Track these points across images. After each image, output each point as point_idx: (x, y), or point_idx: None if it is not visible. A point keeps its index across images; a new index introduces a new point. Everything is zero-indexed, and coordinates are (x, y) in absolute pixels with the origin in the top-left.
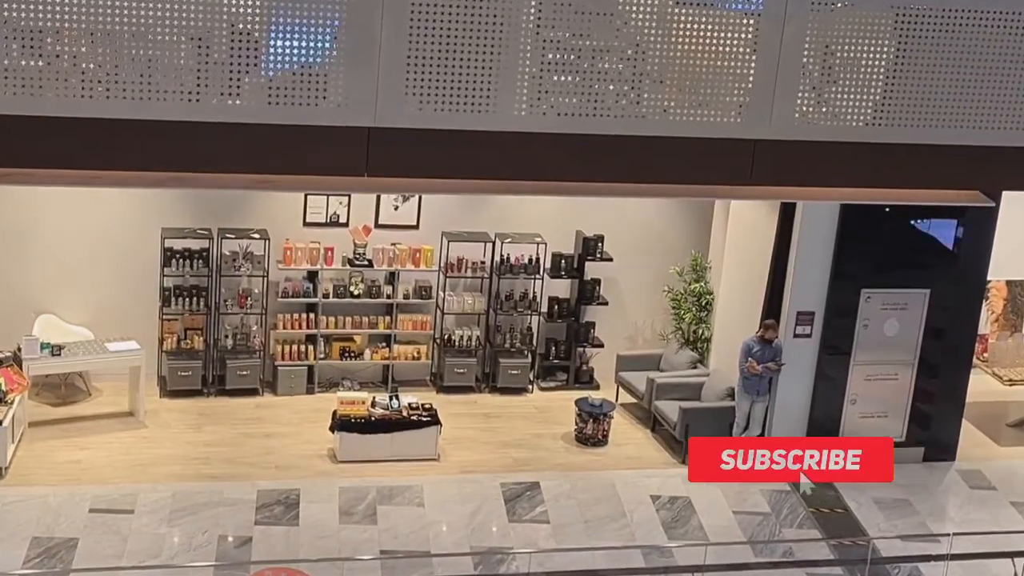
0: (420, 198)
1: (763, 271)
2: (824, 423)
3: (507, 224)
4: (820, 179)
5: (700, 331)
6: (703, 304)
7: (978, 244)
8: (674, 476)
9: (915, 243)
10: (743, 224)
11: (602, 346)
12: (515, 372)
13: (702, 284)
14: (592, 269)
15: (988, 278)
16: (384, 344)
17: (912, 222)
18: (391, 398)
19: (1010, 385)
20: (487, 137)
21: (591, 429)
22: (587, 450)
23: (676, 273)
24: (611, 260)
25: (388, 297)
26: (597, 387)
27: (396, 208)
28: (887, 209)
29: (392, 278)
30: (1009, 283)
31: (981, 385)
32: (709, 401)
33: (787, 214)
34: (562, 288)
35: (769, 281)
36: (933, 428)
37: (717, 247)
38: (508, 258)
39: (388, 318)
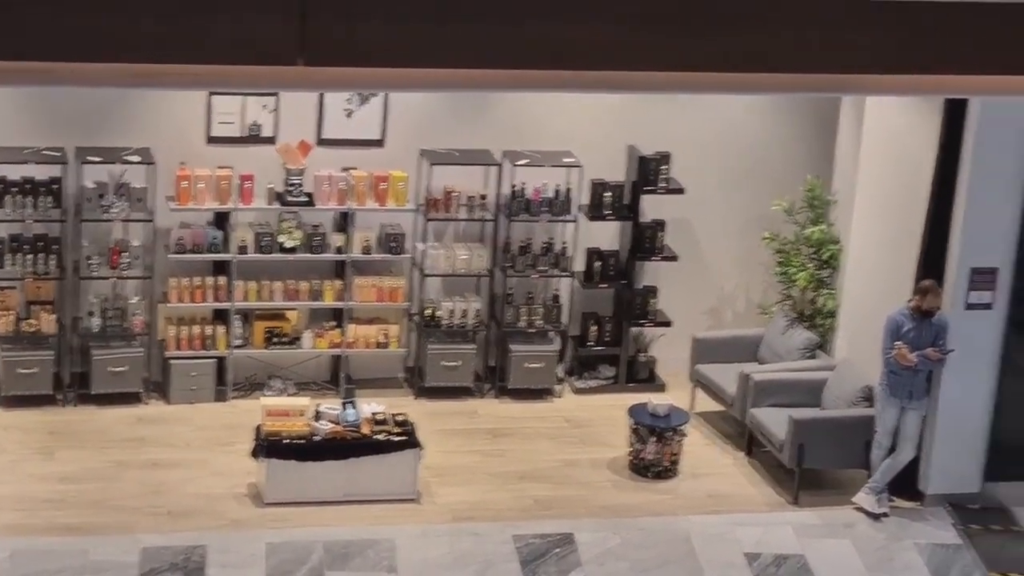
0: (386, 98)
1: (918, 208)
2: (1015, 441)
3: (520, 138)
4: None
5: (821, 301)
6: (825, 259)
7: None
8: (781, 523)
9: None
10: (885, 135)
11: (669, 324)
12: (535, 366)
13: (823, 228)
14: (653, 206)
15: None
16: (333, 324)
17: None
18: (345, 407)
19: None
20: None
21: (653, 453)
22: (647, 484)
23: (783, 211)
24: (682, 192)
25: (338, 251)
26: (662, 388)
27: (349, 114)
28: None
29: (344, 222)
30: None
31: None
32: (835, 408)
33: (955, 120)
34: (607, 236)
35: (927, 224)
36: None
37: (846, 171)
38: (523, 190)
39: (339, 283)
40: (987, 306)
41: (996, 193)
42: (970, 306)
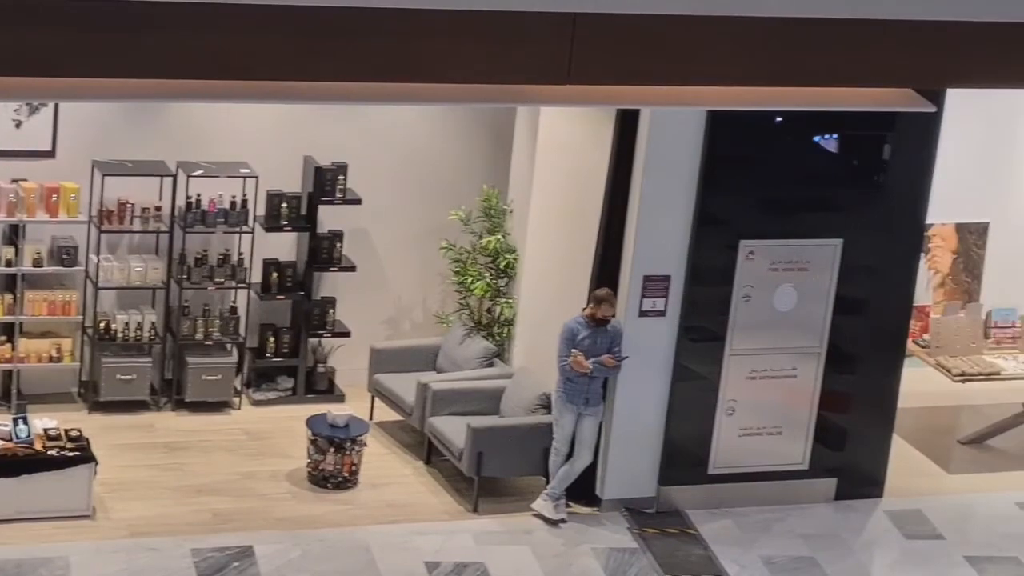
0: (56, 108)
1: (592, 218)
2: (687, 445)
3: (196, 148)
4: (673, 73)
5: (498, 310)
6: (501, 268)
7: (913, 171)
8: (460, 532)
9: (820, 171)
10: (559, 146)
11: (348, 335)
12: (213, 378)
13: (499, 237)
14: (330, 216)
15: (928, 221)
16: (3, 338)
17: (816, 139)
18: (16, 423)
19: (962, 382)
20: (160, 10)
21: (332, 463)
22: (326, 495)
23: (460, 221)
24: (359, 202)
25: (8, 265)
26: (341, 398)
27: (18, 125)
28: (778, 120)
29: (14, 235)
30: (960, 229)
31: (920, 383)
32: (513, 416)
33: (627, 130)
34: (284, 246)
35: (601, 233)
36: (850, 450)
37: (521, 181)
38: (199, 201)
39: (9, 297)
40: (660, 313)
41: (667, 202)
42: (643, 313)
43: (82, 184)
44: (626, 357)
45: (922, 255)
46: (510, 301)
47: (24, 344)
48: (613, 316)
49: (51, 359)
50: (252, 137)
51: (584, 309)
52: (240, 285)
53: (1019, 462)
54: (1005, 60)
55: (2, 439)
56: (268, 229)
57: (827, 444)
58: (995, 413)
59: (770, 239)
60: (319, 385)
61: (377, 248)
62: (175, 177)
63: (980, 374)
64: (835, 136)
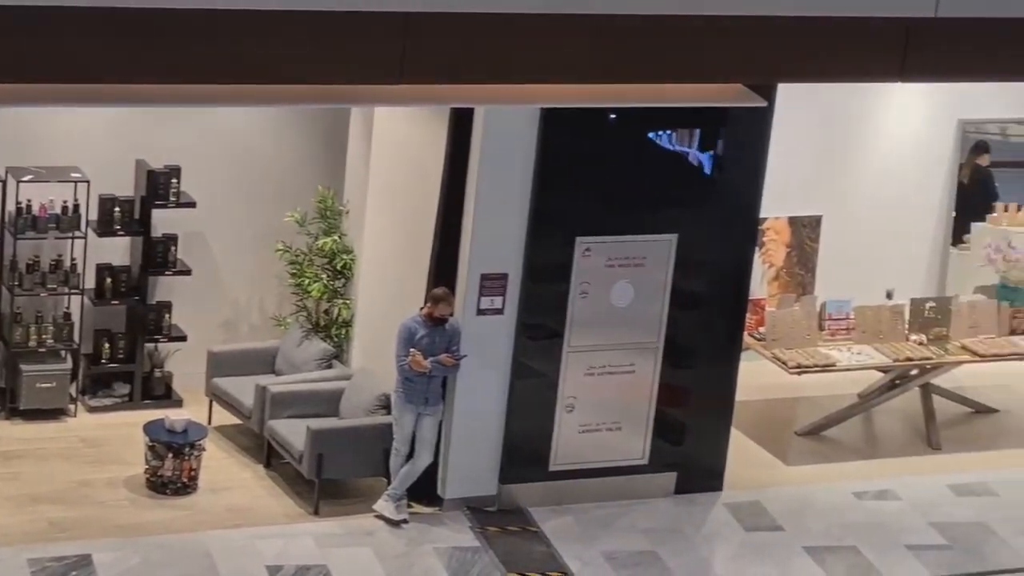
0: None
1: (428, 217)
2: (528, 443)
3: (25, 153)
4: (506, 71)
5: (336, 311)
6: (339, 269)
7: (746, 166)
8: (302, 535)
9: (655, 168)
10: (395, 146)
11: (184, 339)
12: (47, 386)
13: (335, 239)
14: (164, 220)
15: (762, 215)
16: None
17: (651, 135)
18: None
19: (799, 374)
20: None
21: (171, 469)
22: (165, 501)
23: (296, 222)
24: (193, 206)
25: None
26: (179, 403)
27: None
28: (612, 117)
29: None
30: (793, 222)
31: (757, 376)
32: (353, 418)
33: (461, 129)
34: (117, 251)
35: (438, 232)
36: (689, 444)
37: (357, 182)
38: (29, 206)
39: None
40: (498, 311)
41: (503, 201)
42: (481, 311)
43: None
44: (465, 356)
45: (756, 249)
46: (348, 302)
47: None
48: (451, 315)
49: None
50: (83, 141)
51: (422, 308)
52: (73, 291)
53: (855, 452)
54: (832, 55)
55: None
56: (101, 234)
57: (666, 439)
58: (831, 404)
59: (606, 235)
60: (156, 390)
61: (213, 251)
62: (4, 183)
63: (816, 366)
64: (669, 132)
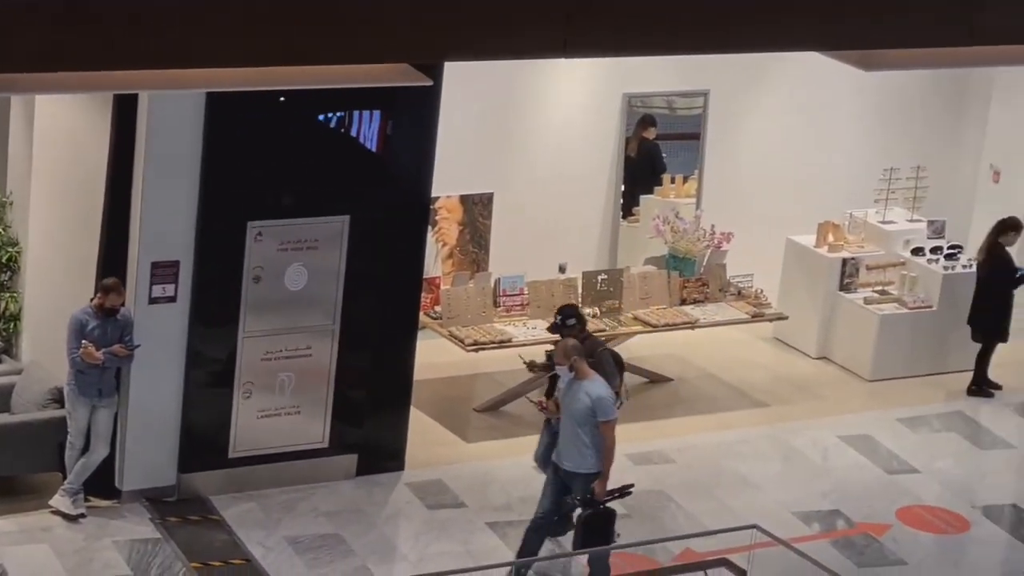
0: None
1: (96, 206)
2: (206, 431)
3: None
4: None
5: (3, 304)
6: (4, 262)
7: (416, 146)
8: None
9: (325, 149)
10: (58, 134)
11: None
12: None
13: (0, 231)
14: None
15: (434, 194)
16: None
17: (320, 117)
18: None
19: (476, 351)
20: None
21: None
22: None
23: None
24: None
25: None
26: None
27: None
28: (282, 99)
29: None
30: (464, 200)
31: (435, 354)
32: (24, 412)
33: (126, 115)
34: None
35: (105, 220)
36: (369, 426)
37: (20, 172)
38: None
39: None
40: (171, 299)
41: (171, 187)
42: (154, 300)
43: None
44: (138, 345)
45: (429, 228)
46: (15, 295)
47: None
48: (122, 305)
49: None
50: None
51: (92, 299)
52: None
53: (534, 427)
54: (496, 31)
55: None
56: None
57: (346, 421)
58: (508, 380)
59: (278, 219)
60: None
61: None
62: None
63: (492, 342)
64: (339, 114)
